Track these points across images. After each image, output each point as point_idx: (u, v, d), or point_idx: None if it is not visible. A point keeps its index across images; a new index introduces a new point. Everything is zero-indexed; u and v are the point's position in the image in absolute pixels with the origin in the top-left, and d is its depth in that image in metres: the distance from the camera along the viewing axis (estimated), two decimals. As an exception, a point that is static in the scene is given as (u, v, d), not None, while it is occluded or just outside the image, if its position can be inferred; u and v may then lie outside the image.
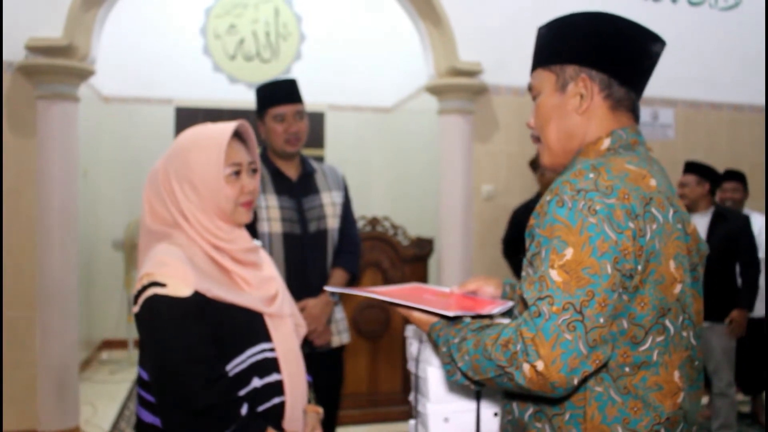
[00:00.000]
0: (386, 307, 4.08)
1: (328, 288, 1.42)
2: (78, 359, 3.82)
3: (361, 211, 4.18)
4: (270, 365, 1.42)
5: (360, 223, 4.08)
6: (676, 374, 1.15)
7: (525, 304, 1.14)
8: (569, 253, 1.07)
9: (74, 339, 3.67)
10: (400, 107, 6.28)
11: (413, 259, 4.20)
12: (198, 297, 1.32)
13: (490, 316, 1.29)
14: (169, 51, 6.11)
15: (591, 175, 1.12)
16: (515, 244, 3.30)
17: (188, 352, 1.29)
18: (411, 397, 1.53)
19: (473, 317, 1.24)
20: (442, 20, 4.07)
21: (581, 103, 1.25)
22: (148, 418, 1.40)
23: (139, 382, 1.43)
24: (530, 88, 1.34)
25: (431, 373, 1.41)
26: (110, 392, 4.72)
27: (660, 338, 1.13)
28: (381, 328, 4.10)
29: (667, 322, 1.14)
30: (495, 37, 4.22)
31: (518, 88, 4.29)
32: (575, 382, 1.05)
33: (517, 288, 1.49)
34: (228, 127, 1.43)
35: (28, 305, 3.59)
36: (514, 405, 1.24)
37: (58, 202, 3.58)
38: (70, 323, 3.63)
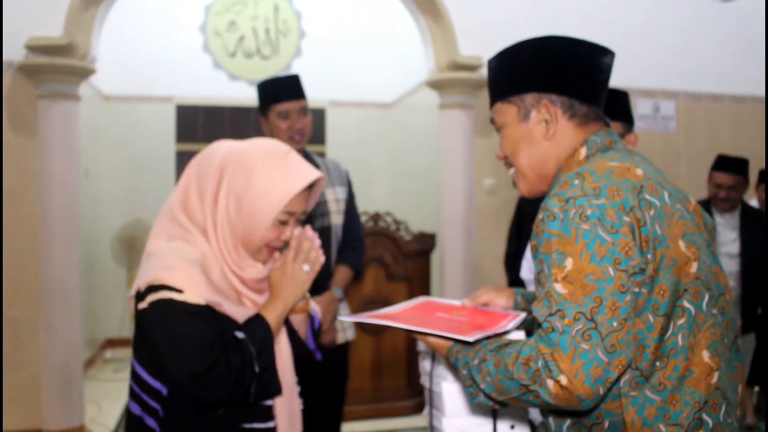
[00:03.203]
0: (389, 302, 4.08)
1: (341, 318, 1.41)
2: (82, 358, 3.83)
3: (363, 206, 4.16)
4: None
5: (362, 219, 4.06)
6: (706, 354, 1.13)
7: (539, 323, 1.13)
8: (569, 263, 1.07)
9: (78, 338, 3.68)
10: (401, 102, 6.27)
11: (416, 254, 4.20)
12: (210, 309, 1.28)
13: (506, 332, 1.28)
14: (169, 49, 6.09)
15: (576, 182, 1.12)
16: (520, 232, 3.29)
17: (200, 338, 1.23)
18: (425, 412, 1.52)
19: (490, 337, 1.22)
20: (442, 15, 4.06)
21: (548, 129, 1.25)
22: (138, 411, 1.36)
23: (133, 376, 1.38)
24: (492, 121, 1.34)
25: (446, 388, 1.39)
26: (114, 390, 4.72)
27: (681, 321, 1.12)
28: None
29: (686, 303, 1.12)
30: (495, 31, 4.20)
31: (519, 82, 4.28)
32: (601, 391, 1.04)
33: (531, 298, 1.49)
34: (307, 175, 1.34)
35: (31, 304, 3.59)
36: (550, 419, 1.22)
37: (59, 201, 3.58)
38: (73, 322, 3.63)
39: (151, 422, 1.35)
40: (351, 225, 2.59)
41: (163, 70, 6.11)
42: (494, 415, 1.41)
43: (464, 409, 1.40)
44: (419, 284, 4.19)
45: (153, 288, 1.26)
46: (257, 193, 1.31)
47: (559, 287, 1.06)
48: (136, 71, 6.02)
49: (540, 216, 1.14)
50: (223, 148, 1.38)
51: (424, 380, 1.50)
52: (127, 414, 1.41)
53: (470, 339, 1.17)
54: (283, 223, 1.35)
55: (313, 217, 2.47)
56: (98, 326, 5.67)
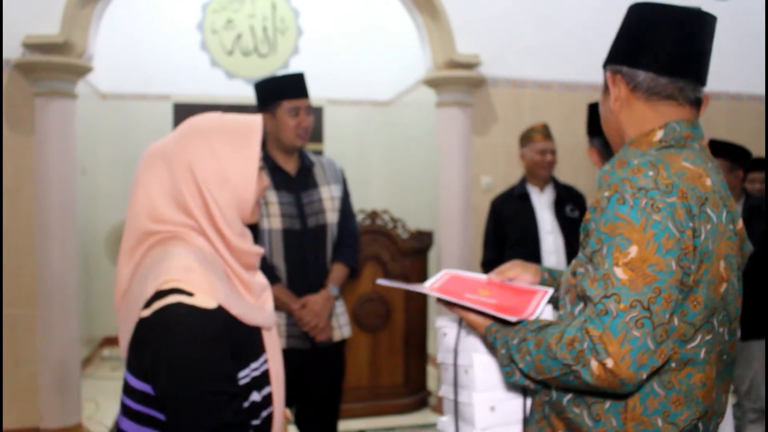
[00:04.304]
0: (386, 300, 4.09)
1: (380, 281, 1.41)
2: (79, 356, 3.83)
3: (361, 204, 4.17)
4: (265, 378, 1.36)
5: (359, 217, 4.08)
6: (714, 370, 1.17)
7: (585, 300, 1.14)
8: (633, 250, 1.08)
9: (75, 336, 3.68)
10: (399, 101, 6.27)
11: (413, 252, 4.20)
12: (222, 310, 1.21)
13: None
14: (167, 47, 6.09)
15: (650, 173, 1.13)
16: (497, 234, 3.31)
17: (214, 368, 1.18)
18: (442, 392, 1.46)
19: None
20: (439, 13, 4.06)
21: (615, 102, 1.31)
22: (132, 428, 1.29)
23: (126, 390, 1.29)
24: None
25: (477, 359, 1.36)
26: (112, 389, 4.72)
27: (708, 337, 1.15)
28: (381, 322, 4.11)
29: (715, 321, 1.16)
30: (493, 29, 4.21)
31: (516, 80, 4.29)
32: (644, 377, 1.06)
33: (557, 276, 1.49)
34: (257, 120, 1.38)
35: (29, 303, 3.59)
36: (552, 389, 1.24)
37: (56, 199, 3.58)
38: (70, 320, 3.63)
39: None
40: (346, 223, 2.59)
41: (160, 68, 6.10)
42: (524, 388, 1.38)
43: (496, 382, 1.38)
44: (416, 282, 4.19)
45: (163, 293, 1.18)
46: (235, 158, 1.32)
47: (619, 272, 1.08)
48: (133, 69, 6.01)
49: (606, 194, 1.15)
50: (165, 150, 1.37)
51: (445, 357, 1.45)
52: None
53: (513, 319, 1.19)
54: (260, 168, 1.38)
55: (309, 215, 2.48)
56: (96, 324, 5.66)
